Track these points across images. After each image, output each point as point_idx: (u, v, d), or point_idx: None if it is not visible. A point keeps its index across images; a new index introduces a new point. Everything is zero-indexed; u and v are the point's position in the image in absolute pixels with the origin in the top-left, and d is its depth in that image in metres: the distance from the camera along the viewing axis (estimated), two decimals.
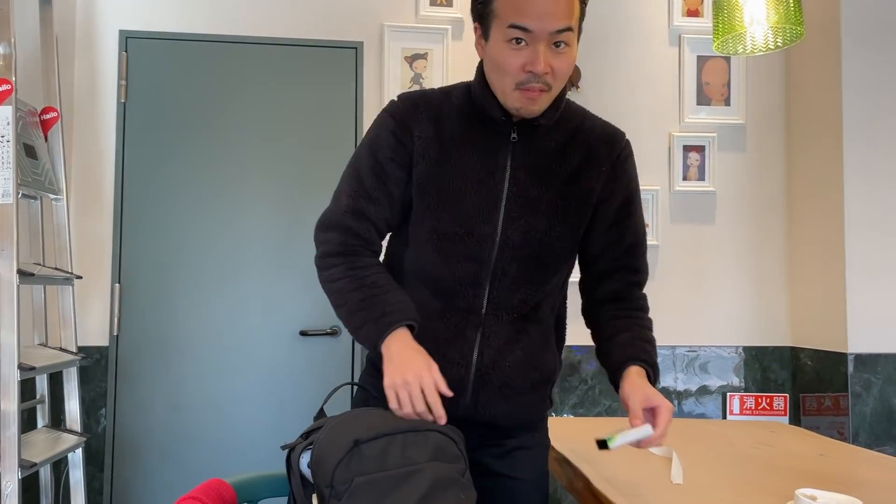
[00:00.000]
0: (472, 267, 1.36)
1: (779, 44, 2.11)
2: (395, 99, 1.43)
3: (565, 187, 1.37)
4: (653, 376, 1.36)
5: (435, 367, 1.27)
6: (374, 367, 1.46)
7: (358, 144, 1.45)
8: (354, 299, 1.35)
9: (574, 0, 1.28)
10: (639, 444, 1.27)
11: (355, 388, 1.52)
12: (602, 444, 1.23)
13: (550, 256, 1.38)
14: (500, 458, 1.42)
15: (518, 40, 1.26)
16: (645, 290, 1.49)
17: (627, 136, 1.46)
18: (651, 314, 1.34)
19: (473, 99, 1.39)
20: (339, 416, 1.31)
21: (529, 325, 1.40)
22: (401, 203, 1.41)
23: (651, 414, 1.27)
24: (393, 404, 1.26)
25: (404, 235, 1.44)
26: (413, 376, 1.24)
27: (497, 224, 1.35)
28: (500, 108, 1.34)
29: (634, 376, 1.33)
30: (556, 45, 1.27)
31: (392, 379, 1.25)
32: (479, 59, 1.38)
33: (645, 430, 1.24)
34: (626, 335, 1.40)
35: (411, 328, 1.33)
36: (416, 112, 1.39)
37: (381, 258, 1.47)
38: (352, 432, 1.23)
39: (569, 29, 1.26)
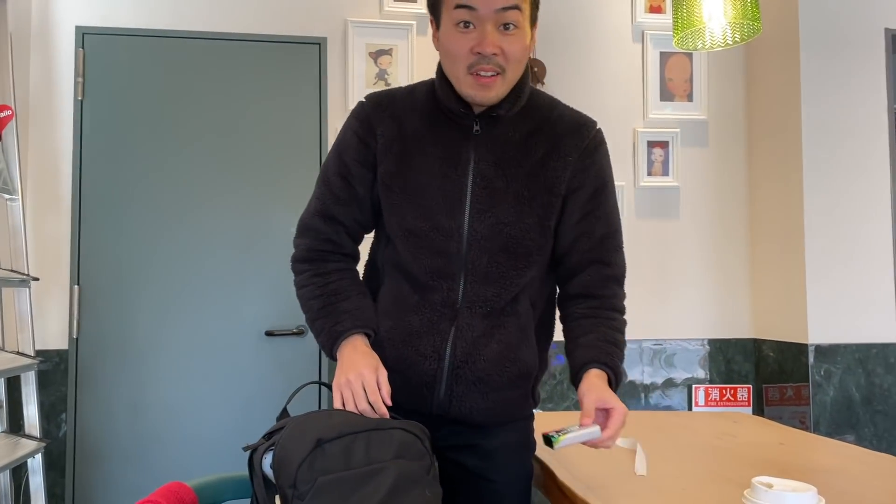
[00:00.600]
0: (441, 261, 1.36)
1: (737, 39, 2.14)
2: (363, 100, 1.44)
3: (531, 178, 1.36)
4: (614, 381, 1.34)
5: (381, 368, 1.30)
6: None
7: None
8: (315, 307, 1.39)
9: None
10: (588, 444, 1.26)
11: (324, 388, 1.52)
12: (547, 441, 1.23)
13: (521, 248, 1.37)
14: (480, 459, 1.41)
15: (466, 23, 1.27)
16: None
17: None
18: None
19: (436, 94, 1.39)
20: (302, 415, 1.30)
21: (506, 318, 1.38)
22: (370, 202, 1.42)
23: (604, 415, 1.26)
24: (337, 403, 1.28)
25: (381, 232, 1.46)
26: (355, 375, 1.27)
27: (463, 217, 1.35)
28: (460, 101, 1.35)
29: (593, 378, 1.32)
30: (506, 26, 1.27)
31: (337, 379, 1.30)
32: None
33: (593, 432, 1.23)
34: (591, 336, 1.38)
35: (369, 335, 1.36)
36: (379, 111, 1.40)
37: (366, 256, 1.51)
38: (314, 431, 1.22)
39: (515, 7, 1.27)
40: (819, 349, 2.82)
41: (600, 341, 1.37)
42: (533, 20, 1.35)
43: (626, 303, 1.47)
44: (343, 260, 1.45)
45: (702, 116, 3.21)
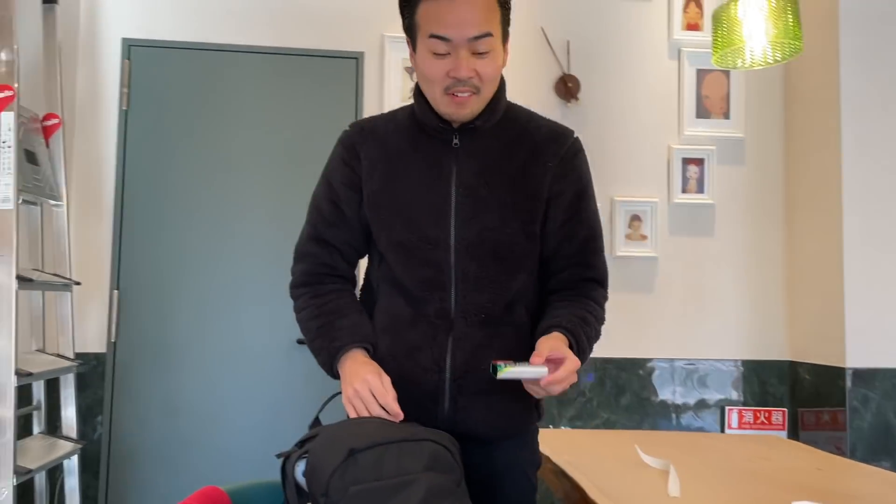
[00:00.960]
0: (430, 271, 1.37)
1: (777, 58, 2.12)
2: (347, 128, 1.49)
3: (513, 184, 1.39)
4: (575, 348, 1.31)
5: (384, 374, 1.31)
6: None
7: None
8: (313, 328, 1.42)
9: (492, 5, 1.32)
10: (532, 384, 1.24)
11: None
12: (493, 370, 1.22)
13: (508, 253, 1.38)
14: (487, 477, 1.39)
15: (440, 53, 1.31)
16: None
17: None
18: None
19: (415, 114, 1.43)
20: (335, 424, 1.31)
21: (503, 327, 1.39)
22: (359, 224, 1.45)
23: (555, 365, 1.24)
24: (352, 414, 1.30)
25: (373, 251, 1.48)
26: (360, 383, 1.29)
27: (449, 226, 1.37)
28: (439, 116, 1.39)
29: (554, 335, 1.31)
30: (479, 52, 1.31)
31: (345, 393, 1.32)
32: None
33: (540, 371, 1.22)
34: (561, 311, 1.38)
35: (367, 349, 1.39)
36: (362, 136, 1.45)
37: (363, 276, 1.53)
38: (347, 441, 1.23)
39: (488, 34, 1.30)
40: (857, 373, 2.77)
41: (569, 314, 1.37)
42: (504, 37, 1.38)
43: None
44: (339, 282, 1.48)
45: (739, 134, 3.18)
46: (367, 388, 1.28)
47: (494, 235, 1.37)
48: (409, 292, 1.39)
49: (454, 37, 1.29)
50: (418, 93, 1.42)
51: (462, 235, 1.37)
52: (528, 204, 1.39)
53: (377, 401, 1.28)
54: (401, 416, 1.27)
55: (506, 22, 1.38)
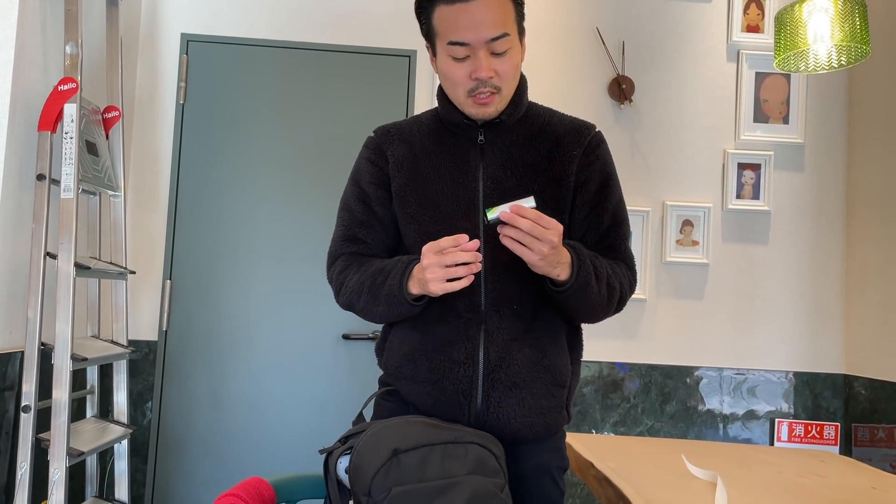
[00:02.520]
0: None
1: (843, 62, 2.05)
2: (371, 134, 1.53)
3: (539, 174, 1.41)
4: (574, 262, 1.31)
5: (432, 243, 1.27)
6: (387, 391, 1.47)
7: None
8: (367, 284, 1.39)
9: (506, 5, 1.34)
10: (511, 220, 1.22)
11: (376, 401, 1.51)
12: (484, 215, 1.25)
13: None
14: (516, 481, 1.38)
15: (460, 56, 1.33)
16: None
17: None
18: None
19: (440, 114, 1.46)
20: (380, 422, 1.31)
21: (537, 323, 1.39)
22: (391, 221, 1.48)
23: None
24: (443, 289, 1.26)
25: (400, 249, 1.50)
26: (426, 264, 1.26)
27: (478, 218, 1.39)
28: (463, 114, 1.41)
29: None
30: (497, 52, 1.33)
31: (425, 285, 1.27)
32: None
33: (527, 199, 1.23)
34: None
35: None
36: (387, 138, 1.49)
37: None
38: (391, 441, 1.24)
39: (505, 35, 1.32)
40: None
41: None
42: (521, 34, 1.39)
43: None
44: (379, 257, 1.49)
45: (798, 140, 3.09)
46: (435, 262, 1.25)
47: None
48: None
49: (472, 40, 1.32)
50: (441, 93, 1.45)
51: (490, 226, 1.37)
52: (555, 191, 1.40)
53: (449, 257, 1.24)
54: (475, 244, 1.25)
55: (520, 17, 1.39)
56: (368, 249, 1.48)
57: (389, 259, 1.41)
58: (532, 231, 1.22)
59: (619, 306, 1.44)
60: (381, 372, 1.53)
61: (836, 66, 2.07)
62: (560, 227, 1.25)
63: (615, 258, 1.45)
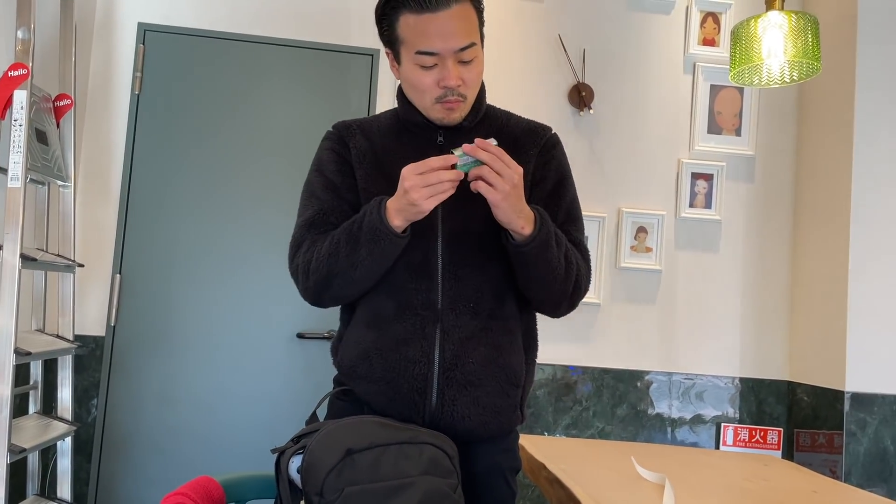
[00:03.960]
0: (417, 260, 1.38)
1: (794, 77, 2.11)
2: (330, 128, 1.52)
3: None
4: (538, 219, 1.32)
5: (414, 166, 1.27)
6: (341, 391, 1.45)
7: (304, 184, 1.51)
8: (342, 236, 1.35)
9: (471, 15, 1.36)
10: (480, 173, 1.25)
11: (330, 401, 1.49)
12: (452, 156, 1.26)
13: (494, 241, 1.39)
14: (463, 482, 1.36)
15: (428, 65, 1.34)
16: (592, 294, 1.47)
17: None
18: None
19: (399, 114, 1.47)
20: (333, 422, 1.30)
21: (493, 322, 1.40)
22: (355, 210, 1.44)
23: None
24: (428, 199, 1.25)
25: None
26: (409, 185, 1.25)
27: (436, 217, 1.38)
28: (424, 117, 1.43)
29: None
30: (464, 61, 1.35)
31: (410, 207, 1.26)
32: None
33: (491, 140, 1.27)
34: None
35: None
36: (348, 130, 1.49)
37: None
38: (345, 441, 1.23)
39: (472, 44, 1.35)
40: (856, 397, 2.76)
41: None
42: (482, 40, 1.42)
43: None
44: None
45: (749, 152, 3.17)
46: (418, 178, 1.24)
47: (480, 224, 1.38)
48: (395, 284, 1.39)
49: (441, 50, 1.33)
50: (402, 94, 1.46)
51: (448, 227, 1.39)
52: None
53: (434, 176, 1.24)
54: (453, 160, 1.25)
55: (482, 25, 1.42)
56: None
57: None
58: (493, 163, 1.24)
59: (574, 294, 1.43)
60: (335, 372, 1.51)
61: (787, 80, 2.13)
62: (521, 169, 1.27)
63: None
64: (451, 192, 1.27)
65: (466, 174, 1.27)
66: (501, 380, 1.40)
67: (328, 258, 1.35)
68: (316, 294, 1.40)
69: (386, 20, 1.37)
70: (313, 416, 1.43)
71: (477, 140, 1.25)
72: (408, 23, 1.33)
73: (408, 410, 1.36)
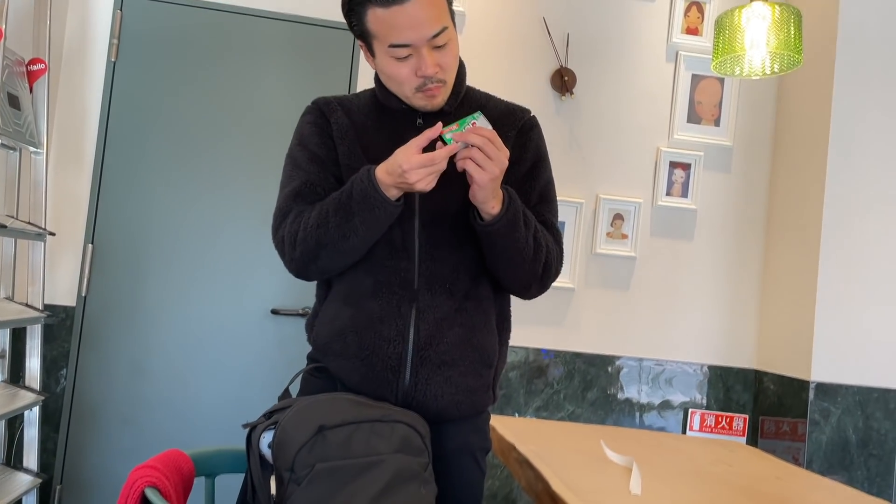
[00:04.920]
0: (395, 239, 1.38)
1: (775, 69, 2.13)
2: (310, 104, 1.50)
3: None
4: (506, 199, 1.33)
5: (405, 149, 1.26)
6: (315, 368, 1.45)
7: (285, 159, 1.49)
8: (331, 206, 1.33)
9: (439, 2, 1.33)
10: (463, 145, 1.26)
11: (304, 377, 1.48)
12: (441, 139, 1.27)
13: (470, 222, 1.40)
14: (437, 461, 1.37)
15: (404, 56, 1.33)
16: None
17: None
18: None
19: (378, 97, 1.46)
20: (306, 399, 1.31)
21: (469, 302, 1.41)
22: (340, 182, 1.43)
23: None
24: (431, 179, 1.26)
25: None
26: (405, 169, 1.24)
27: (413, 198, 1.38)
28: (404, 102, 1.42)
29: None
30: (437, 46, 1.33)
31: (409, 180, 1.25)
32: None
33: (481, 119, 1.29)
34: None
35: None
36: (328, 106, 1.47)
37: None
38: (317, 417, 1.23)
39: (444, 29, 1.33)
40: (820, 387, 2.82)
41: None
42: (453, 20, 1.40)
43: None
44: None
45: (727, 142, 3.20)
46: (408, 168, 1.24)
47: (458, 206, 1.38)
48: (372, 262, 1.39)
49: (414, 41, 1.31)
50: (379, 83, 1.45)
51: (427, 207, 1.39)
52: None
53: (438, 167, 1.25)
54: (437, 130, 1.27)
55: (450, 4, 1.39)
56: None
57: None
58: (485, 147, 1.25)
59: (544, 276, 1.43)
60: (309, 349, 1.51)
61: (768, 72, 2.15)
62: (507, 153, 1.28)
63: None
64: (435, 180, 1.26)
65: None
66: (475, 360, 1.41)
67: (317, 228, 1.33)
68: (302, 265, 1.38)
69: (354, 15, 1.34)
70: (286, 393, 1.43)
71: (471, 128, 1.25)
72: (376, 16, 1.30)
73: (381, 388, 1.37)
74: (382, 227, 1.33)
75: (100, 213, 2.83)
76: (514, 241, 1.35)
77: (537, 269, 1.40)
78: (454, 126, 1.28)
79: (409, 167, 1.23)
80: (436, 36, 1.31)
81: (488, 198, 1.29)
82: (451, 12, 1.39)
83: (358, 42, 1.41)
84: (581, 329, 3.11)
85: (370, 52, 1.39)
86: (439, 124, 1.27)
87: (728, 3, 3.21)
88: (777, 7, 1.96)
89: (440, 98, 1.40)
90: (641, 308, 3.15)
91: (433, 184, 1.26)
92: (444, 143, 1.26)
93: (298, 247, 1.36)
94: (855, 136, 2.89)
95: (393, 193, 1.29)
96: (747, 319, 3.21)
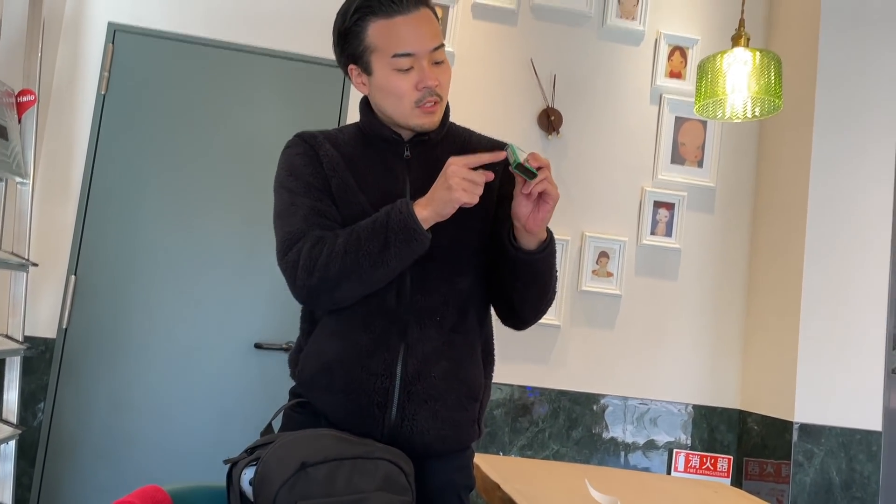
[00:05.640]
0: None
1: (756, 113, 2.18)
2: (293, 138, 1.49)
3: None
4: (548, 230, 1.38)
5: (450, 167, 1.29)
6: (297, 403, 1.43)
7: (275, 193, 1.46)
8: (364, 234, 1.31)
9: (435, 20, 1.41)
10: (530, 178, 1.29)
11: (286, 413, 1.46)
12: (522, 169, 1.29)
13: (460, 254, 1.41)
14: (417, 499, 1.34)
15: (406, 68, 1.36)
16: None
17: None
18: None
19: (363, 130, 1.47)
20: (289, 434, 1.30)
21: (456, 335, 1.41)
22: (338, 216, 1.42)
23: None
24: (467, 195, 1.28)
25: None
26: (449, 174, 1.27)
27: None
28: (391, 129, 1.44)
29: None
30: (437, 61, 1.39)
31: (456, 196, 1.27)
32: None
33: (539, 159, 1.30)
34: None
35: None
36: (314, 139, 1.46)
37: None
38: (300, 454, 1.22)
39: (442, 45, 1.40)
40: (804, 428, 2.82)
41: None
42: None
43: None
44: None
45: (710, 183, 3.25)
46: (462, 171, 1.27)
47: (449, 237, 1.38)
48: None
49: (418, 50, 1.35)
50: (367, 107, 1.46)
51: None
52: (480, 204, 1.37)
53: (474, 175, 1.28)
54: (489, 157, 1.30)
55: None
56: (335, 229, 1.37)
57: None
58: (549, 171, 1.30)
59: (551, 301, 1.47)
60: (292, 384, 1.49)
61: (749, 116, 2.19)
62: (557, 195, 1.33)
63: None
64: (477, 198, 1.28)
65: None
66: (461, 393, 1.40)
67: (344, 256, 1.30)
68: (315, 292, 1.33)
69: (352, 33, 1.37)
70: (268, 428, 1.42)
71: (532, 153, 1.29)
72: (379, 28, 1.34)
73: (367, 424, 1.36)
74: (410, 261, 1.33)
75: (84, 244, 2.81)
76: (551, 268, 1.40)
77: (552, 297, 1.45)
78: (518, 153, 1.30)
79: (454, 169, 1.26)
80: (436, 50, 1.37)
81: (547, 222, 1.33)
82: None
83: (349, 68, 1.42)
84: (566, 367, 3.11)
85: (366, 70, 1.39)
86: (500, 153, 1.31)
87: (710, 49, 3.28)
88: (757, 53, 2.01)
89: (437, 116, 1.41)
90: (626, 346, 3.15)
91: (468, 198, 1.27)
92: (513, 161, 1.28)
93: (317, 273, 1.31)
94: (835, 178, 2.94)
95: (426, 215, 1.30)
96: (731, 359, 3.22)
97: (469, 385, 1.41)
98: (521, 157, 1.28)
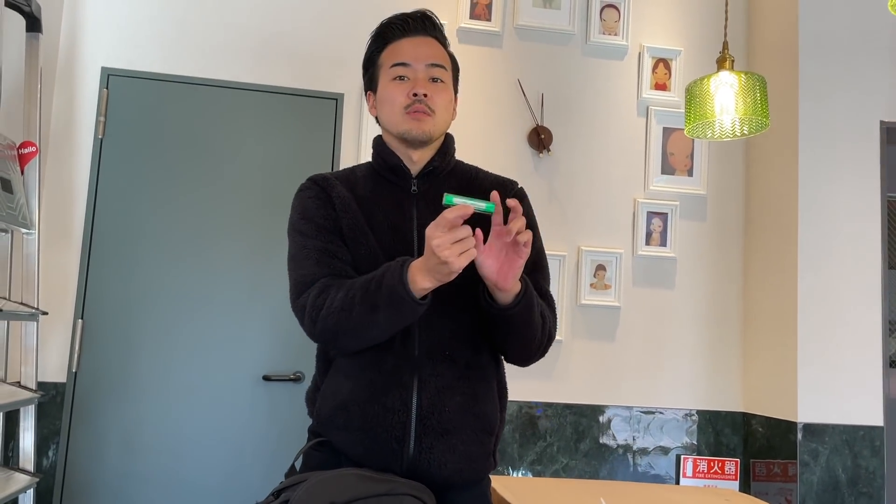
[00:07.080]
0: None
1: (745, 132, 2.24)
2: (305, 182, 1.56)
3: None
4: (523, 283, 1.36)
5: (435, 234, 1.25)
6: (317, 443, 1.46)
7: (288, 236, 1.52)
8: (358, 294, 1.34)
9: (446, 56, 1.54)
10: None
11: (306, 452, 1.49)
12: (448, 200, 1.25)
13: (466, 289, 1.42)
14: None
15: (401, 77, 1.48)
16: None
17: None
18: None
19: (375, 165, 1.55)
20: (314, 475, 1.33)
21: (471, 371, 1.45)
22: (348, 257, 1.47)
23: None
24: (459, 260, 1.25)
25: None
26: (437, 244, 1.24)
27: None
28: (399, 161, 1.51)
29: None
30: (434, 79, 1.49)
31: (440, 268, 1.25)
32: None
33: (490, 205, 1.26)
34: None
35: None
36: (327, 183, 1.53)
37: None
38: (327, 494, 1.26)
39: (441, 65, 1.51)
40: (808, 428, 2.87)
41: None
42: (455, 88, 1.57)
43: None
44: None
45: (701, 191, 3.30)
46: (447, 236, 1.23)
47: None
48: None
49: (412, 60, 1.48)
50: (378, 143, 1.55)
51: None
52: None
53: (461, 232, 1.24)
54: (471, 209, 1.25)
55: (455, 80, 1.57)
56: (345, 272, 1.43)
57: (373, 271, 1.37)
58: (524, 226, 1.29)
59: (545, 345, 1.48)
60: (301, 413, 1.53)
61: (738, 134, 2.25)
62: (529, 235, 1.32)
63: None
64: (475, 251, 1.25)
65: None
66: (477, 428, 1.44)
67: (339, 312, 1.34)
68: (321, 339, 1.44)
69: (370, 60, 1.55)
70: (292, 469, 1.45)
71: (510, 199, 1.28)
72: (388, 51, 1.51)
73: (386, 459, 1.40)
74: (405, 323, 1.36)
75: (89, 288, 2.84)
76: (529, 321, 1.40)
77: (542, 344, 1.46)
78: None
79: (438, 242, 1.23)
80: (432, 66, 1.49)
81: (518, 277, 1.33)
82: (455, 83, 1.56)
83: (367, 95, 1.57)
84: (570, 380, 3.15)
85: (374, 89, 1.54)
86: (468, 209, 1.24)
87: (693, 59, 3.35)
88: (742, 75, 2.07)
89: (427, 126, 1.48)
90: (628, 356, 3.20)
91: (467, 259, 1.24)
92: (448, 202, 1.26)
93: (319, 324, 1.38)
94: (823, 184, 3.00)
95: (427, 286, 1.29)
96: (732, 363, 3.28)
97: (484, 420, 1.46)
98: (460, 202, 1.24)
